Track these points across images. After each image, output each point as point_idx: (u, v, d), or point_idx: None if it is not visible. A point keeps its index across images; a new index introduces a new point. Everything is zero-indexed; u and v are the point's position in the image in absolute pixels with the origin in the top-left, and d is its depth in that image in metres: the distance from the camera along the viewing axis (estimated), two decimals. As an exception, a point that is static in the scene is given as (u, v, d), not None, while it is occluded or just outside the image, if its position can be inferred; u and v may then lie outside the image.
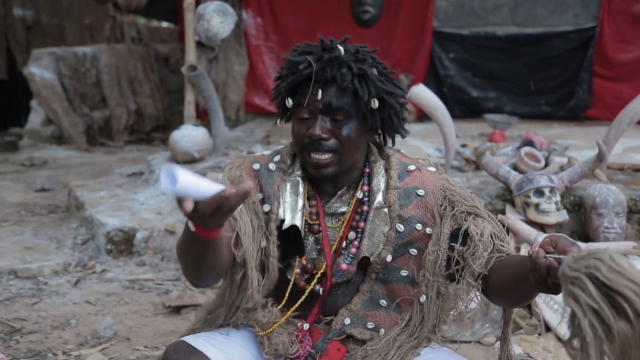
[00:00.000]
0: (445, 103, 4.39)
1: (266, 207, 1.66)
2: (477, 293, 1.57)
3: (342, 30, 7.57)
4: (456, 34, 7.34)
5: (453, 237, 1.61)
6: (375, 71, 1.61)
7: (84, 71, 7.98)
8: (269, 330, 1.61)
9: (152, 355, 2.74)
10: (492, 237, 1.57)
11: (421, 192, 1.66)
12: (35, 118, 7.92)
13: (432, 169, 1.72)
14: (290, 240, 1.66)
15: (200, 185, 1.27)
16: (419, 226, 1.64)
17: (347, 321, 1.66)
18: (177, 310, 3.21)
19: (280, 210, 1.66)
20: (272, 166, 1.70)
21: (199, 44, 5.07)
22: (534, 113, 7.17)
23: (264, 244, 1.64)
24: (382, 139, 1.72)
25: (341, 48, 1.61)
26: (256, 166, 1.71)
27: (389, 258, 1.63)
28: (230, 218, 1.51)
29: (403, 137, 1.71)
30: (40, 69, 7.66)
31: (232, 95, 7.16)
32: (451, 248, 1.59)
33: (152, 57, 8.88)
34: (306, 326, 1.65)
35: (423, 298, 1.63)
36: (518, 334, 2.98)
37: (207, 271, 1.55)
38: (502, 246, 1.58)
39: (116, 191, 4.74)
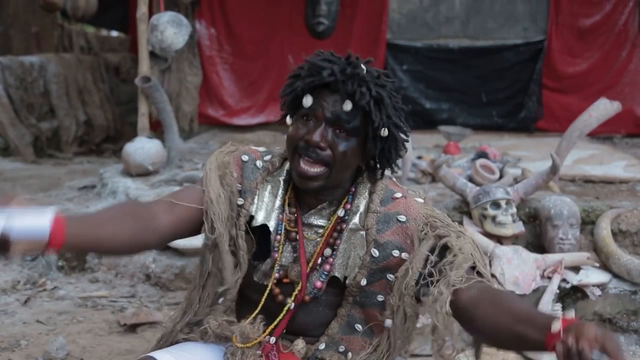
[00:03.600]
0: (400, 115, 4.41)
1: (240, 201, 1.67)
2: (451, 318, 1.47)
3: (296, 41, 7.58)
4: (409, 46, 7.42)
5: (430, 252, 1.55)
6: (390, 101, 1.59)
7: (31, 81, 7.77)
8: (248, 345, 1.60)
9: (108, 376, 2.67)
10: (472, 255, 1.52)
11: (402, 217, 1.61)
12: (-20, 129, 7.67)
13: (420, 200, 1.67)
14: (263, 241, 1.67)
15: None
16: (395, 252, 1.60)
17: (322, 346, 1.66)
18: (132, 328, 3.14)
19: (253, 207, 1.66)
20: (259, 163, 1.71)
21: (152, 54, 4.99)
22: (485, 124, 7.28)
23: (233, 232, 1.65)
24: (374, 165, 1.67)
25: (364, 67, 1.58)
26: (245, 157, 1.71)
27: (363, 282, 1.61)
28: (205, 197, 1.62)
29: (393, 172, 1.68)
30: (-15, 79, 7.43)
31: (186, 106, 7.07)
32: (425, 266, 1.53)
33: (102, 67, 8.72)
34: (272, 340, 1.64)
35: (388, 323, 1.61)
36: (477, 346, 3.00)
37: (113, 251, 1.62)
38: (484, 269, 1.53)
39: (67, 205, 4.60)
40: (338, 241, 1.63)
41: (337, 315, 1.66)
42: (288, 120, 1.64)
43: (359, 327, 1.66)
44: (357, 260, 1.61)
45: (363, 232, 1.61)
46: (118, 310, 3.34)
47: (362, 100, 1.53)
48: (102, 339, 3.04)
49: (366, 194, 1.66)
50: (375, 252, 1.60)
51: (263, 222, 1.65)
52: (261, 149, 1.77)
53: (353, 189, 1.67)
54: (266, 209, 1.66)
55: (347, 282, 1.62)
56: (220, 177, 1.66)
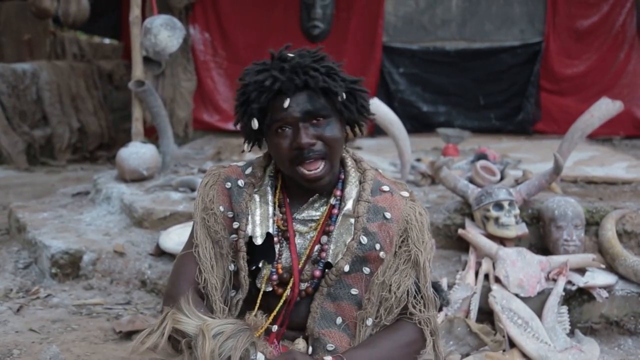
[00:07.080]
0: (397, 117, 4.36)
1: (235, 225, 1.68)
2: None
3: (291, 45, 7.51)
4: (406, 48, 7.38)
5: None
6: (333, 65, 1.63)
7: (23, 88, 7.70)
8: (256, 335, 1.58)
9: (103, 385, 2.60)
10: (407, 294, 1.63)
11: (388, 215, 1.67)
12: (-28, 137, 7.60)
13: (405, 194, 1.73)
14: (264, 248, 1.67)
15: None
16: (377, 246, 1.64)
17: (310, 350, 1.65)
18: (128, 335, 3.07)
19: (249, 227, 1.67)
20: (241, 182, 1.72)
21: (146, 59, 4.92)
22: (483, 127, 7.25)
23: (232, 267, 1.68)
24: (352, 130, 1.73)
25: (293, 55, 1.62)
26: (228, 185, 1.74)
27: (346, 268, 1.63)
28: (194, 252, 1.69)
29: (369, 117, 1.72)
30: (-24, 86, 7.36)
31: (180, 112, 7.02)
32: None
33: (95, 74, 8.66)
34: (275, 328, 1.66)
35: (369, 321, 1.64)
36: (483, 350, 2.93)
37: None
38: (414, 306, 1.64)
39: (60, 212, 4.53)
40: (332, 227, 1.66)
41: (310, 310, 1.66)
42: (246, 147, 1.71)
43: (338, 320, 1.66)
44: (342, 246, 1.63)
45: (352, 220, 1.64)
46: (113, 318, 3.27)
47: (318, 83, 1.57)
48: (97, 347, 2.97)
49: (357, 182, 1.70)
50: (364, 239, 1.63)
51: (264, 233, 1.66)
52: (240, 163, 1.80)
53: (342, 177, 1.71)
54: (262, 220, 1.68)
55: (326, 270, 1.64)
56: (207, 227, 1.70)
